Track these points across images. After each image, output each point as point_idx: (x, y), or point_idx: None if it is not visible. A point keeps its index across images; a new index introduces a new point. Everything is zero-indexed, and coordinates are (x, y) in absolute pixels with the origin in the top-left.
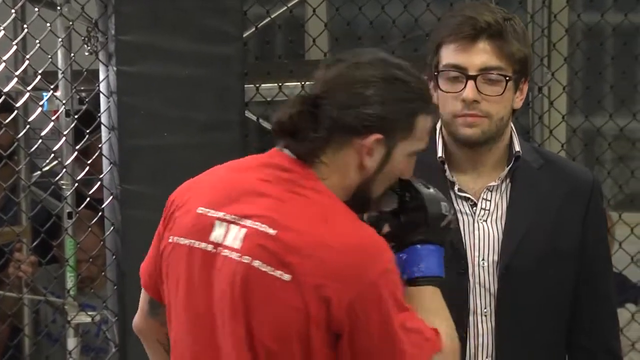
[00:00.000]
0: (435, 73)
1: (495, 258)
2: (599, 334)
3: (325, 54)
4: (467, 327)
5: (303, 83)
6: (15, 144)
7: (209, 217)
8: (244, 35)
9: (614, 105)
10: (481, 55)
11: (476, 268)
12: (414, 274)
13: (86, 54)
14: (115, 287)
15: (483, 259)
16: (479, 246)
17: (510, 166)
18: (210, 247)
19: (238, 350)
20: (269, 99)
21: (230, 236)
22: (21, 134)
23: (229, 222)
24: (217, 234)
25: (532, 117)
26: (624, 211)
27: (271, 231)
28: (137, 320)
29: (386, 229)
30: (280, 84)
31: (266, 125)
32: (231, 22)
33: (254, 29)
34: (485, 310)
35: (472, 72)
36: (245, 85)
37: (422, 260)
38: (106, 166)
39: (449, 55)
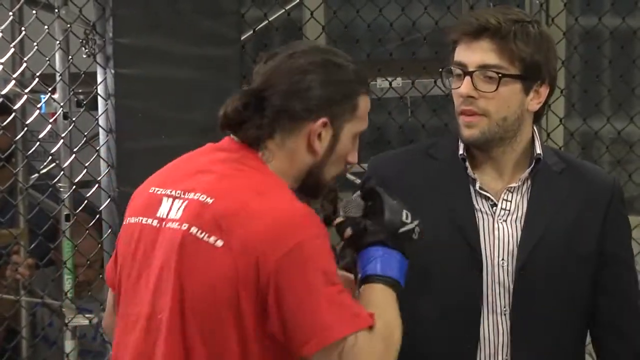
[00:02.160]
0: (447, 70)
1: (515, 258)
2: (626, 335)
3: None
4: (486, 327)
5: None
6: (13, 146)
7: (157, 195)
8: (242, 38)
9: (612, 109)
10: (480, 53)
11: (495, 268)
12: (366, 272)
13: (84, 56)
14: None
15: (503, 259)
16: (499, 246)
17: (531, 168)
18: (155, 222)
19: (172, 314)
20: None
21: (173, 210)
22: (19, 136)
23: (174, 197)
24: (162, 209)
25: None
26: None
27: (209, 200)
28: (104, 318)
29: (349, 232)
30: None
31: None
32: (229, 24)
33: (251, 32)
34: (504, 309)
35: (470, 69)
36: (243, 88)
37: (376, 261)
38: (104, 169)
39: (456, 53)
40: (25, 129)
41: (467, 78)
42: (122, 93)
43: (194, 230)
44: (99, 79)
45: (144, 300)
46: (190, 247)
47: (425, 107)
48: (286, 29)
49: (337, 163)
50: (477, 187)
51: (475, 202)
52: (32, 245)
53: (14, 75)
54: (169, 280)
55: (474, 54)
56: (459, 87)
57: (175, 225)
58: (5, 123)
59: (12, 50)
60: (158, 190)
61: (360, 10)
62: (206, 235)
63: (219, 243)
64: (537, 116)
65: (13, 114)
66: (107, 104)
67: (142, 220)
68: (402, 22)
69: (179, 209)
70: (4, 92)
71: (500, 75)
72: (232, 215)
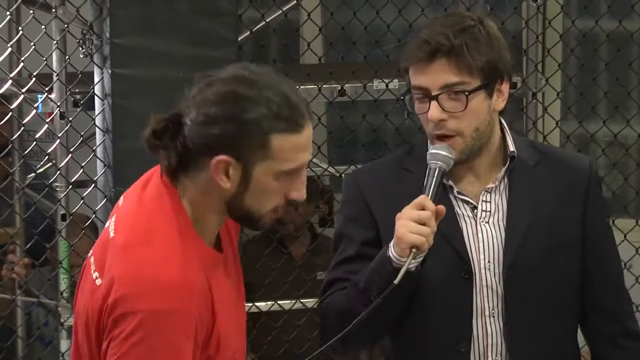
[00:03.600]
0: (410, 95)
1: (501, 259)
2: (617, 317)
3: (319, 58)
4: (475, 329)
5: (297, 87)
6: (10, 145)
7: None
8: (239, 39)
9: (608, 112)
10: (439, 75)
11: (483, 271)
12: None
13: (81, 56)
14: None
15: (489, 261)
16: (484, 248)
17: (506, 167)
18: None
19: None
20: None
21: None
22: (15, 135)
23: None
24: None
25: (526, 122)
26: (618, 217)
27: (111, 234)
28: None
29: None
30: None
31: None
32: (226, 25)
33: (248, 33)
34: (493, 311)
35: (433, 92)
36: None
37: None
38: (100, 169)
39: (413, 77)
40: (22, 128)
41: (434, 102)
42: (119, 93)
43: (92, 260)
44: (96, 79)
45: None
46: (84, 278)
47: None
48: (283, 30)
49: (266, 199)
50: (456, 193)
51: (456, 208)
52: (28, 245)
53: (11, 75)
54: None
55: (433, 77)
56: (426, 111)
57: (92, 251)
58: (2, 122)
59: (9, 49)
60: (116, 207)
61: (357, 12)
62: (93, 268)
63: (98, 281)
64: (502, 111)
65: (10, 114)
66: (103, 104)
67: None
68: (399, 23)
69: (102, 234)
70: (0, 91)
71: (466, 93)
72: (112, 257)
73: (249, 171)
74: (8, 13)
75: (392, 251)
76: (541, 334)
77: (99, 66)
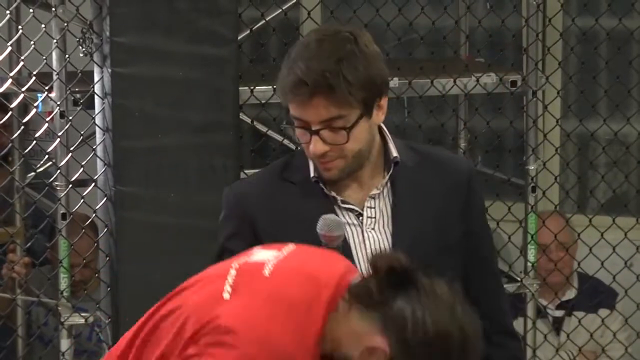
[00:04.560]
0: (288, 119)
1: None
2: (492, 315)
3: None
4: None
5: None
6: (10, 145)
7: None
8: (239, 38)
9: (608, 110)
10: (319, 110)
11: None
12: None
13: (81, 55)
14: (109, 289)
15: None
16: (370, 254)
17: (390, 173)
18: None
19: None
20: (263, 102)
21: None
22: (16, 134)
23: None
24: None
25: (527, 121)
26: (618, 215)
27: (266, 273)
28: None
29: None
30: (274, 87)
31: (260, 127)
32: (226, 24)
33: (248, 32)
34: None
35: (314, 127)
36: (240, 88)
37: None
38: (100, 168)
39: (292, 108)
40: (22, 127)
41: (315, 137)
42: (119, 92)
43: (232, 272)
44: (96, 77)
45: None
46: (210, 280)
47: (422, 107)
48: (283, 29)
49: None
50: (339, 202)
51: (342, 217)
52: (29, 244)
53: (11, 74)
54: None
55: (312, 112)
56: (308, 142)
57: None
58: (2, 121)
59: (9, 48)
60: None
61: (357, 10)
62: (230, 281)
63: (225, 295)
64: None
65: (10, 113)
66: (103, 103)
67: None
68: (399, 22)
69: (255, 262)
70: (0, 90)
71: (347, 128)
72: (249, 291)
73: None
74: (8, 12)
75: None
76: None
77: (99, 65)
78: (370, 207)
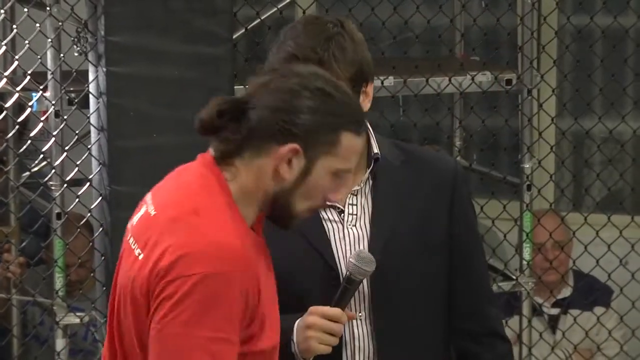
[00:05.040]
0: None
1: None
2: (482, 318)
3: None
4: (345, 333)
5: None
6: (5, 144)
7: (143, 201)
8: (234, 37)
9: (603, 108)
10: None
11: None
12: None
13: (76, 54)
14: (104, 289)
15: None
16: (350, 251)
17: (370, 169)
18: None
19: (109, 319)
20: None
21: (136, 217)
22: (10, 134)
23: (147, 204)
24: (135, 216)
25: (522, 119)
26: (613, 213)
27: (152, 212)
28: None
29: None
30: None
31: None
32: (221, 23)
33: (243, 31)
34: (360, 314)
35: None
36: (235, 87)
37: None
38: (95, 167)
39: None
40: (17, 127)
41: None
42: (114, 91)
43: (131, 240)
44: (91, 77)
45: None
46: (124, 257)
47: (417, 105)
48: (278, 28)
49: (311, 197)
50: None
51: (322, 213)
52: (24, 244)
53: (6, 73)
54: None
55: None
56: None
57: (128, 235)
58: None
59: (4, 48)
60: (147, 196)
61: (352, 9)
62: (136, 245)
63: (140, 256)
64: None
65: (5, 112)
66: (98, 102)
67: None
68: (394, 21)
69: (139, 216)
70: None
71: None
72: (159, 231)
73: (311, 165)
74: (2, 11)
75: (295, 349)
76: (410, 335)
77: (93, 64)
78: (352, 204)
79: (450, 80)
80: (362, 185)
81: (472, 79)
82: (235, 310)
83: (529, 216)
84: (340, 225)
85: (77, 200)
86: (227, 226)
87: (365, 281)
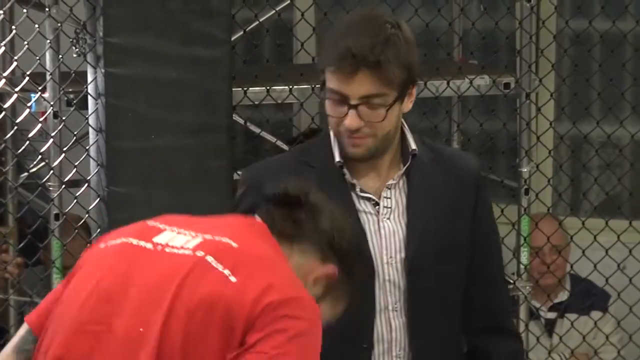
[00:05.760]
0: (322, 94)
1: (402, 254)
2: (496, 315)
3: (313, 58)
4: (379, 324)
5: (291, 87)
6: (3, 145)
7: (158, 227)
8: (232, 39)
9: (601, 112)
10: (361, 85)
11: (385, 266)
12: None
13: (74, 55)
14: None
15: (391, 257)
16: (386, 244)
17: (408, 164)
18: (149, 245)
19: (161, 330)
20: (256, 103)
21: (180, 241)
22: (9, 135)
23: (182, 233)
24: (163, 237)
25: (520, 123)
26: (611, 218)
27: (233, 244)
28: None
29: None
30: (268, 88)
31: (253, 128)
32: (219, 25)
33: (242, 33)
34: (395, 305)
35: (353, 101)
36: (233, 89)
37: None
38: (93, 168)
39: (332, 80)
40: (15, 127)
41: (352, 111)
42: (112, 92)
43: (209, 258)
44: (89, 78)
45: (124, 313)
46: (199, 271)
47: (415, 109)
48: (277, 30)
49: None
50: (358, 191)
51: (358, 205)
52: (21, 244)
53: (4, 74)
54: (164, 299)
55: (353, 86)
56: (341, 116)
57: (183, 252)
58: None
59: (3, 48)
60: (160, 225)
61: (350, 12)
62: (221, 266)
63: (232, 278)
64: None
65: (3, 113)
66: (97, 104)
67: (129, 240)
68: None
69: (189, 241)
70: None
71: (386, 106)
72: (254, 263)
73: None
74: (1, 12)
75: None
76: (440, 328)
77: (92, 65)
78: (387, 197)
79: (448, 83)
80: (397, 179)
81: (470, 82)
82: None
83: (527, 220)
84: (375, 218)
85: (75, 201)
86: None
87: (399, 274)
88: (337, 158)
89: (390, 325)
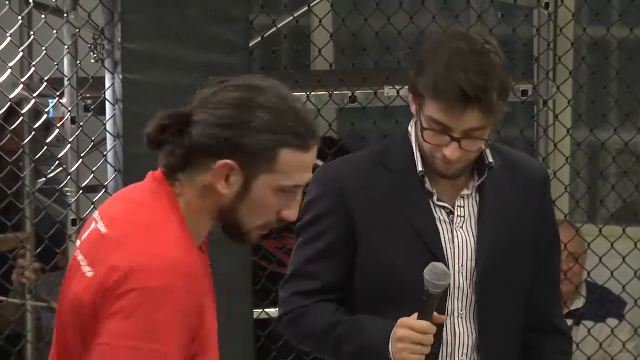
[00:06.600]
0: (420, 119)
1: (472, 264)
2: (551, 316)
3: (330, 65)
4: (445, 330)
5: (308, 93)
6: (21, 150)
7: (92, 218)
8: (250, 45)
9: (619, 120)
10: (468, 121)
11: (456, 275)
12: None
13: (92, 61)
14: None
15: (462, 265)
16: (458, 253)
17: (484, 177)
18: (80, 257)
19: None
20: None
21: (86, 234)
22: (26, 140)
23: (96, 221)
24: (85, 233)
25: (537, 130)
26: (629, 226)
27: (104, 230)
28: None
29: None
30: None
31: None
32: (237, 31)
33: (260, 39)
34: (461, 312)
35: (456, 134)
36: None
37: None
38: (111, 174)
39: (434, 110)
40: (33, 133)
41: (455, 144)
42: (130, 98)
43: (80, 257)
44: (107, 84)
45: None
46: (71, 274)
47: None
48: (294, 36)
49: (259, 213)
50: (435, 199)
51: (434, 212)
52: (39, 250)
53: (23, 80)
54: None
55: (460, 121)
56: (441, 145)
57: (76, 252)
58: (13, 127)
59: (21, 54)
60: (95, 212)
61: (368, 18)
62: (84, 262)
63: (89, 274)
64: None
65: (21, 118)
66: (114, 109)
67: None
68: (410, 30)
69: (89, 233)
70: (12, 96)
71: (487, 139)
72: (109, 248)
73: (250, 181)
74: (20, 18)
75: (392, 358)
76: (505, 332)
77: (110, 71)
78: (460, 206)
79: None
80: (471, 190)
81: None
82: (179, 324)
83: None
84: (449, 226)
85: (92, 206)
86: (177, 241)
87: (468, 282)
88: (420, 168)
89: (455, 331)
